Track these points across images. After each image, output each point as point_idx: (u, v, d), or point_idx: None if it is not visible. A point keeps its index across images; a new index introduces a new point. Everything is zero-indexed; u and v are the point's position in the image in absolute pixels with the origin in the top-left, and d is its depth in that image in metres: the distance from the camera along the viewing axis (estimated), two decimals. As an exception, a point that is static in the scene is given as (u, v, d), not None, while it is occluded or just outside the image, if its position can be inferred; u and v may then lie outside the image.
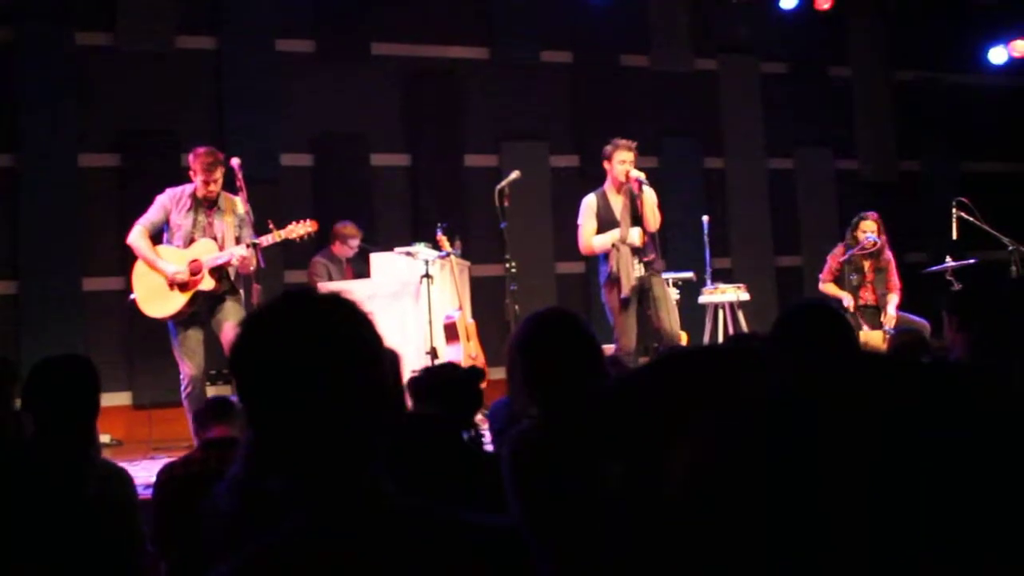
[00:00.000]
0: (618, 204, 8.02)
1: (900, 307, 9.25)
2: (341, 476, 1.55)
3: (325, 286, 8.77)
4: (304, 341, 1.55)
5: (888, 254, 9.37)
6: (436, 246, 8.57)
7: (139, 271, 7.45)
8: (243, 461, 3.17)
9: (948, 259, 9.63)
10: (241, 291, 7.56)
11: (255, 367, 1.57)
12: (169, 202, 7.46)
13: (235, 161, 7.50)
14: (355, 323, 1.61)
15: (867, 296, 9.30)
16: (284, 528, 1.53)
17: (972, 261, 9.59)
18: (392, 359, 3.52)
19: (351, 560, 1.50)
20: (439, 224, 8.70)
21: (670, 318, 7.95)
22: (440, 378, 3.96)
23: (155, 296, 7.35)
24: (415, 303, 8.45)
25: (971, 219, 9.79)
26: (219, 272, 7.39)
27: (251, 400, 1.58)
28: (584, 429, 3.05)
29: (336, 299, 1.64)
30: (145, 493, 4.61)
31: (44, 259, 9.80)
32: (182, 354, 7.37)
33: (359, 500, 1.55)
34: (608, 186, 8.14)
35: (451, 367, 4.23)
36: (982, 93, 13.71)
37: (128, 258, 7.57)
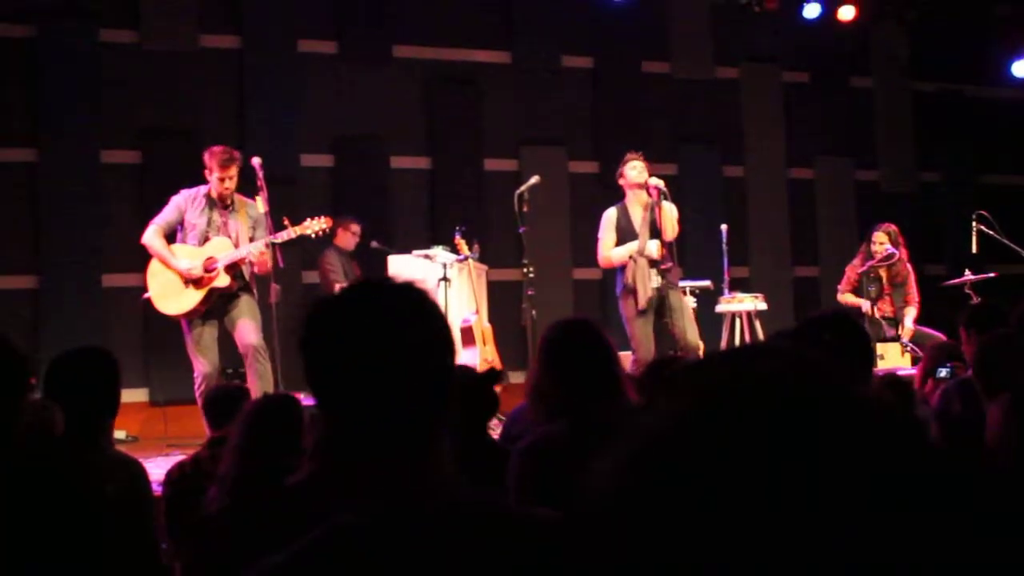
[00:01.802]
0: (637, 216, 8.03)
1: (918, 320, 9.22)
2: (408, 463, 1.54)
3: (342, 283, 8.78)
4: (375, 324, 1.56)
5: (907, 266, 9.33)
6: (454, 249, 8.59)
7: (153, 269, 7.49)
8: (236, 458, 3.19)
9: (967, 272, 9.58)
10: (255, 290, 7.59)
11: (325, 349, 1.58)
12: (184, 202, 7.50)
13: (256, 160, 7.54)
14: (426, 310, 1.61)
15: (885, 308, 9.27)
16: (350, 514, 1.53)
17: (991, 275, 9.54)
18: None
19: (418, 548, 1.50)
20: (457, 228, 8.71)
21: (688, 328, 7.95)
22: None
23: (170, 293, 7.39)
24: (432, 306, 8.46)
25: (991, 232, 9.75)
26: (233, 270, 7.42)
27: (318, 383, 1.58)
28: (607, 439, 3.16)
29: (409, 287, 1.64)
30: (158, 490, 4.63)
31: (64, 255, 9.85)
32: (196, 351, 7.40)
33: (427, 488, 1.55)
34: (627, 199, 8.16)
35: (464, 369, 4.23)
36: (1003, 106, 13.65)
37: (147, 254, 7.61)
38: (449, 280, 8.41)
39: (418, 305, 1.61)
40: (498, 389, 8.36)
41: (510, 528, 1.55)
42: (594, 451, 3.04)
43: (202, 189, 7.50)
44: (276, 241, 7.42)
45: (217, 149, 7.46)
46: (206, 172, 7.47)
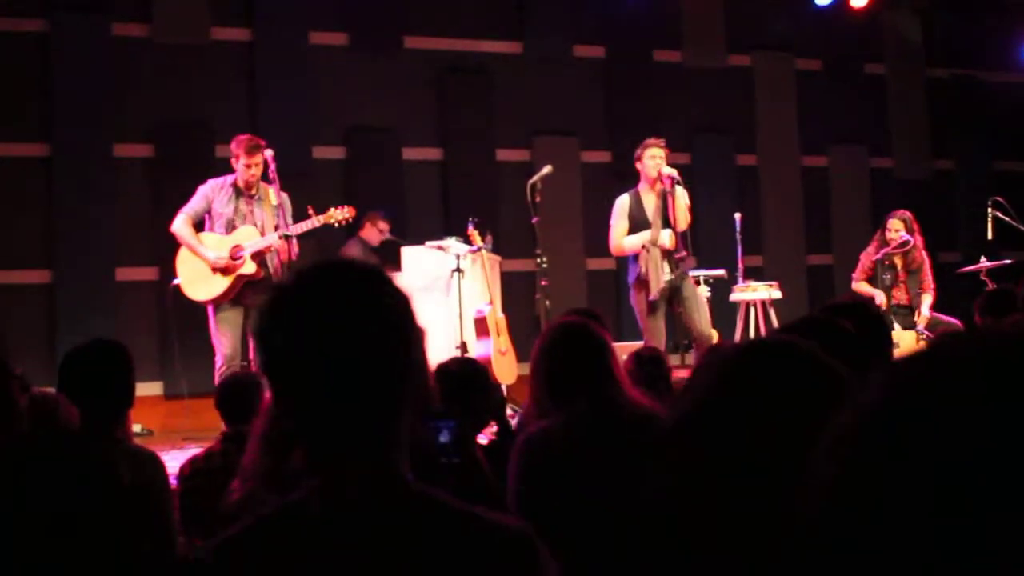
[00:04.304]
0: (651, 205, 7.96)
1: (933, 307, 9.18)
2: (358, 456, 1.52)
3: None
4: (328, 316, 1.52)
5: (922, 254, 9.27)
6: (467, 240, 8.58)
7: (182, 257, 7.62)
8: (260, 451, 3.18)
9: (983, 259, 9.53)
10: (283, 280, 7.63)
11: (277, 341, 1.54)
12: (211, 191, 7.63)
13: (268, 153, 7.58)
14: (384, 299, 1.56)
15: (900, 296, 9.22)
16: (291, 500, 1.52)
17: (1007, 261, 9.50)
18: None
19: (358, 541, 1.48)
20: (470, 219, 8.70)
21: (701, 318, 7.91)
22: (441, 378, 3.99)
23: (199, 280, 7.53)
24: (446, 297, 8.46)
25: (1006, 219, 9.70)
26: (260, 258, 7.53)
27: (273, 375, 1.56)
28: (599, 433, 3.30)
29: (368, 272, 1.60)
30: (175, 483, 4.64)
31: (78, 249, 9.87)
32: (220, 335, 7.49)
33: (374, 482, 1.52)
34: (641, 186, 8.09)
35: (464, 363, 4.24)
36: (1018, 91, 13.57)
37: (162, 248, 7.66)
38: (462, 271, 8.40)
39: (373, 291, 1.56)
40: (513, 380, 8.34)
41: (459, 528, 1.53)
42: (587, 445, 3.07)
43: (229, 179, 7.64)
44: (295, 233, 7.52)
45: (243, 137, 7.61)
46: (233, 160, 7.58)
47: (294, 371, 1.53)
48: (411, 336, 1.57)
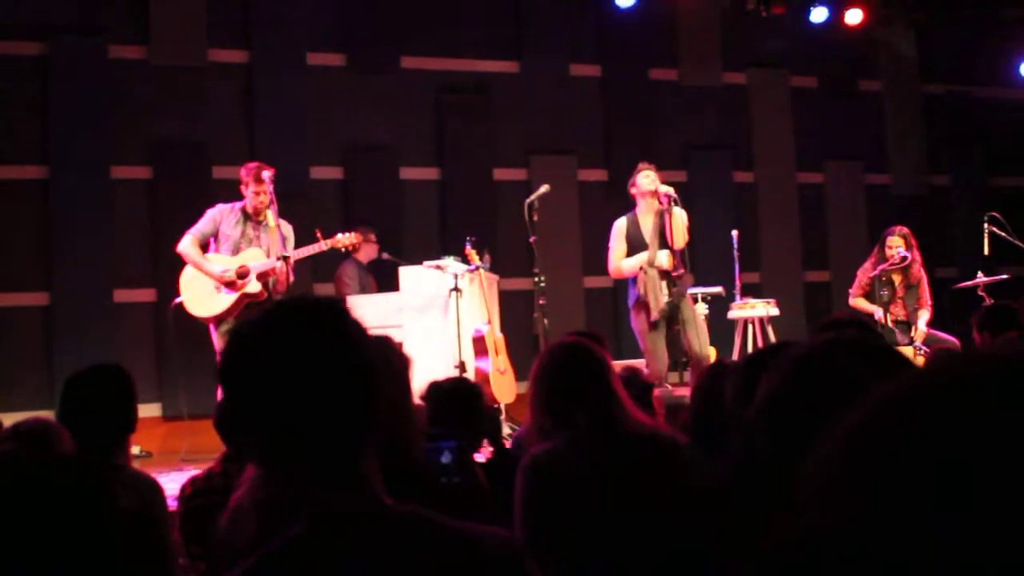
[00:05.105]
0: (648, 226, 7.97)
1: (930, 324, 9.18)
2: (333, 485, 1.54)
3: (354, 299, 8.82)
4: (286, 351, 1.56)
5: (919, 270, 9.28)
6: (465, 260, 8.58)
7: (187, 276, 7.70)
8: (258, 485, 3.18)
9: (980, 274, 9.54)
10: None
11: (238, 379, 1.58)
12: (219, 215, 7.74)
13: (266, 174, 7.63)
14: (342, 335, 1.60)
15: (897, 312, 9.22)
16: (282, 538, 1.54)
17: (1004, 277, 9.50)
18: (404, 365, 3.56)
19: (349, 567, 1.50)
20: (468, 238, 8.70)
21: (699, 339, 7.90)
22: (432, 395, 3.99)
23: (203, 297, 7.61)
24: (444, 316, 8.46)
25: (1002, 234, 9.71)
26: (264, 279, 7.62)
27: (237, 415, 1.58)
28: (605, 453, 3.34)
29: (326, 309, 1.63)
30: (173, 505, 4.63)
31: (76, 270, 9.87)
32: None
33: (355, 507, 1.54)
34: (639, 209, 8.12)
35: (443, 383, 4.24)
36: (1013, 107, 13.62)
37: (160, 269, 7.68)
38: (460, 290, 8.40)
39: (334, 328, 1.60)
40: (512, 399, 8.33)
41: (441, 542, 1.55)
42: (593, 465, 3.08)
43: (238, 204, 7.75)
44: (300, 256, 7.68)
45: (252, 165, 7.76)
46: (242, 187, 7.70)
47: (257, 411, 1.57)
48: (371, 367, 1.61)
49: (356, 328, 1.62)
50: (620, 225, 8.15)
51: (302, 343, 1.57)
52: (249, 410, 1.58)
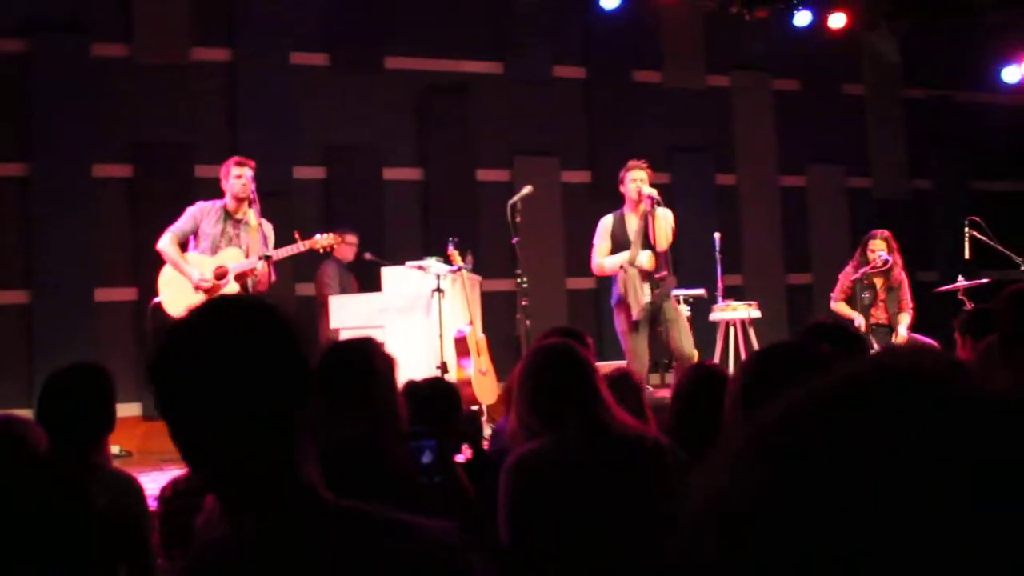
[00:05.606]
0: (633, 226, 7.98)
1: (911, 327, 9.21)
2: (272, 483, 1.55)
3: (336, 299, 8.82)
4: (219, 349, 1.56)
5: (900, 273, 9.31)
6: (447, 260, 8.57)
7: (165, 276, 7.70)
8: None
9: (960, 278, 9.58)
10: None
11: (167, 381, 1.58)
12: (200, 213, 7.73)
13: (248, 172, 7.62)
14: (270, 329, 1.60)
15: (879, 315, 9.25)
16: (226, 535, 1.54)
17: (985, 280, 9.54)
18: (389, 366, 3.55)
19: (293, 563, 1.50)
20: (450, 238, 8.69)
21: (683, 339, 7.91)
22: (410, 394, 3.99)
23: (181, 297, 7.56)
24: (426, 317, 8.45)
25: (983, 238, 9.75)
26: (243, 279, 7.62)
27: (166, 416, 1.58)
28: (591, 454, 3.35)
29: (257, 304, 1.65)
30: (154, 505, 4.61)
31: (56, 269, 9.82)
32: None
33: (293, 503, 1.55)
34: (626, 208, 8.11)
35: (420, 384, 4.23)
36: (995, 111, 13.69)
37: (141, 268, 7.66)
38: (442, 291, 8.39)
39: (266, 325, 1.60)
40: (494, 400, 8.31)
41: (384, 536, 1.55)
42: (580, 466, 3.09)
43: (218, 203, 7.74)
44: (279, 256, 7.65)
45: (232, 158, 7.81)
46: (222, 181, 7.70)
47: (186, 411, 1.57)
48: (304, 364, 1.61)
49: (289, 325, 1.62)
50: (606, 223, 8.16)
51: (234, 340, 1.58)
52: (179, 409, 1.57)
